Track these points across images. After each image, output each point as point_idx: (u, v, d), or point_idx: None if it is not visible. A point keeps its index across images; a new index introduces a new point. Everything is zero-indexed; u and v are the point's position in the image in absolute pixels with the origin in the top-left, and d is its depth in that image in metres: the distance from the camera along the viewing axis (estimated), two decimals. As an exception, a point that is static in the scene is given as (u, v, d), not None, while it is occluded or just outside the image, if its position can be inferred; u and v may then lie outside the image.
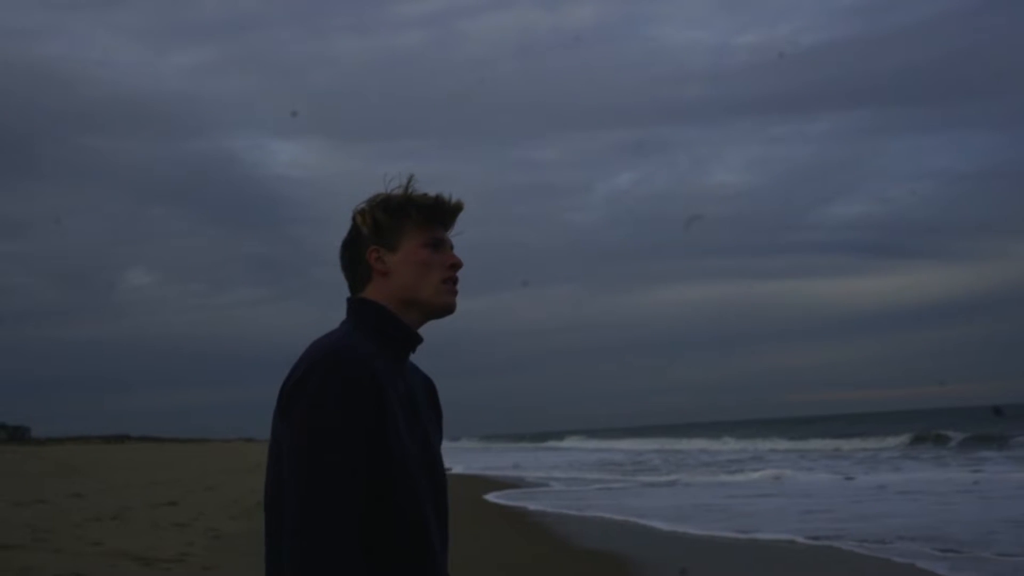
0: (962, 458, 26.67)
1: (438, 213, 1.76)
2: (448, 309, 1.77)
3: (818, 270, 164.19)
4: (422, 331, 1.79)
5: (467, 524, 12.74)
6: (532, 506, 15.77)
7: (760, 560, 9.91)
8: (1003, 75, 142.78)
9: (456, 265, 1.76)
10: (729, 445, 44.27)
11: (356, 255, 1.76)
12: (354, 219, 1.77)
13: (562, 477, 25.10)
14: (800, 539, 10.65)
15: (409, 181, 1.76)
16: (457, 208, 1.77)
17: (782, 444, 43.22)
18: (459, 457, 43.06)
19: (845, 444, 39.04)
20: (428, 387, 1.84)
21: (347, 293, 1.81)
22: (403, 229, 1.74)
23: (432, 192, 1.76)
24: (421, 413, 1.74)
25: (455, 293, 1.77)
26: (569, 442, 69.83)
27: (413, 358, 1.81)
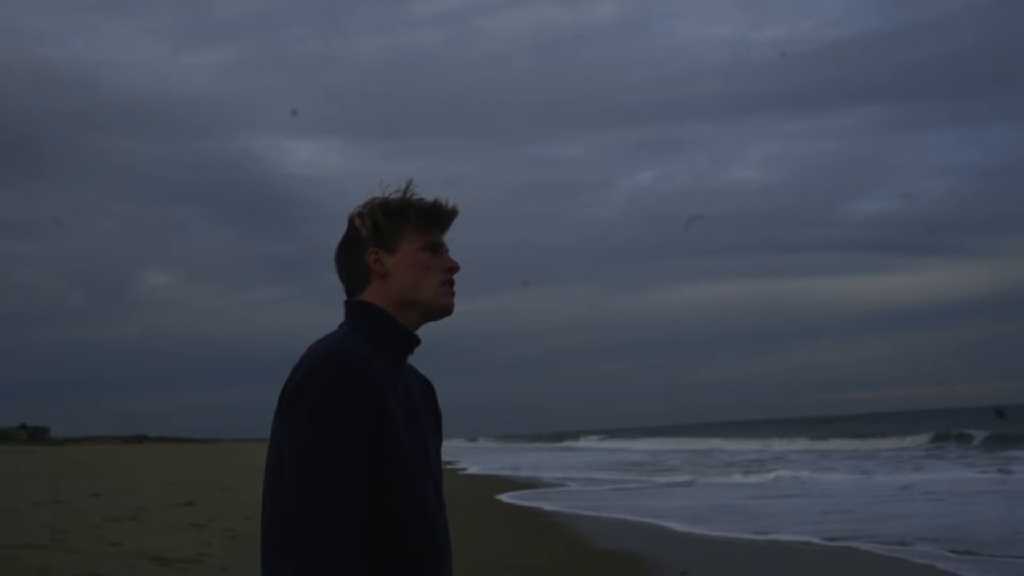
0: (987, 457, 26.41)
1: (436, 217, 1.78)
2: (447, 310, 1.79)
3: (837, 268, 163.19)
4: (421, 334, 1.80)
5: (481, 524, 12.76)
6: (547, 506, 15.76)
7: (778, 561, 9.85)
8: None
9: (453, 268, 1.79)
10: (748, 445, 44.04)
11: (354, 257, 1.77)
12: (351, 222, 1.79)
13: (578, 477, 25.05)
14: (817, 540, 10.58)
15: (408, 185, 1.78)
16: (453, 213, 1.80)
17: (802, 444, 42.99)
18: (476, 457, 43.13)
19: (866, 444, 38.79)
20: (427, 389, 1.86)
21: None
22: (402, 232, 1.76)
23: (429, 196, 1.79)
24: (420, 415, 1.76)
25: (453, 295, 1.80)
26: (586, 442, 69.74)
27: (412, 360, 1.83)
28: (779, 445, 42.73)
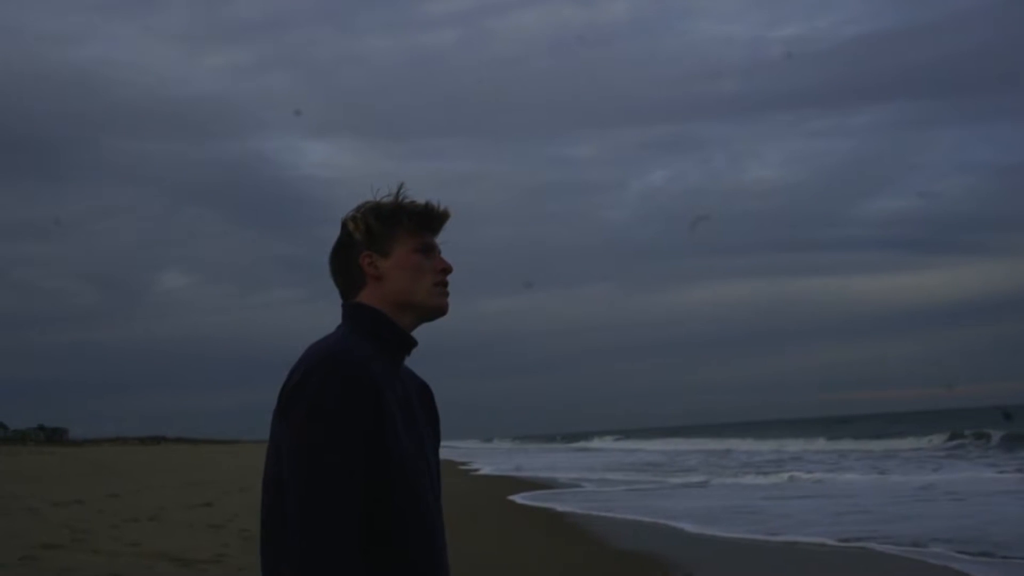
0: (1007, 457, 26.18)
1: (428, 220, 1.81)
2: (441, 310, 1.81)
3: (854, 267, 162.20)
4: (418, 337, 1.82)
5: (493, 525, 12.80)
6: (559, 507, 15.74)
7: (790, 562, 9.82)
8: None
9: (446, 270, 1.81)
10: (764, 446, 43.81)
11: (348, 261, 1.80)
12: (345, 226, 1.81)
13: (592, 478, 24.98)
14: (831, 541, 10.52)
15: (399, 189, 1.80)
16: (445, 215, 1.82)
17: (819, 444, 42.73)
18: (489, 458, 43.11)
19: (884, 444, 38.49)
20: (424, 391, 1.87)
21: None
22: (395, 235, 1.78)
23: (421, 200, 1.81)
24: (417, 416, 1.77)
25: (446, 295, 1.82)
26: (602, 442, 69.48)
27: (410, 362, 1.84)
28: (796, 445, 42.48)
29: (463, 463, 37.22)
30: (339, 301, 1.83)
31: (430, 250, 1.81)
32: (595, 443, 69.72)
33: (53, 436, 76.89)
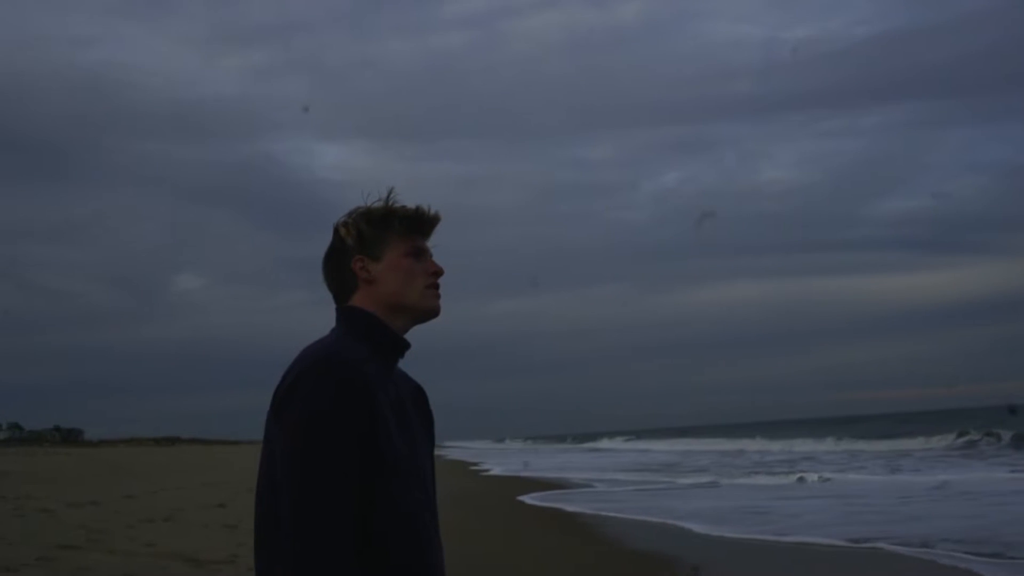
0: (1018, 456, 26.04)
1: (419, 224, 1.83)
2: (433, 312, 1.84)
3: (866, 266, 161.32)
4: (411, 339, 1.84)
5: (502, 525, 12.86)
6: (569, 507, 15.75)
7: (798, 562, 9.82)
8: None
9: (438, 272, 1.84)
10: (775, 446, 43.69)
11: (340, 266, 1.82)
12: (336, 231, 1.83)
13: (603, 478, 24.96)
14: (840, 542, 10.50)
15: (389, 194, 1.83)
16: (436, 219, 1.85)
17: (830, 444, 42.58)
18: (500, 458, 43.11)
19: (895, 444, 38.31)
20: (418, 393, 1.88)
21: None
22: (386, 240, 1.81)
23: (412, 204, 1.83)
24: (411, 419, 1.78)
25: (438, 297, 1.84)
26: (612, 443, 69.38)
27: (403, 365, 1.86)
28: (807, 445, 42.33)
29: (474, 463, 37.28)
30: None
31: (421, 253, 1.83)
32: (605, 443, 69.61)
33: (69, 437, 77.42)
